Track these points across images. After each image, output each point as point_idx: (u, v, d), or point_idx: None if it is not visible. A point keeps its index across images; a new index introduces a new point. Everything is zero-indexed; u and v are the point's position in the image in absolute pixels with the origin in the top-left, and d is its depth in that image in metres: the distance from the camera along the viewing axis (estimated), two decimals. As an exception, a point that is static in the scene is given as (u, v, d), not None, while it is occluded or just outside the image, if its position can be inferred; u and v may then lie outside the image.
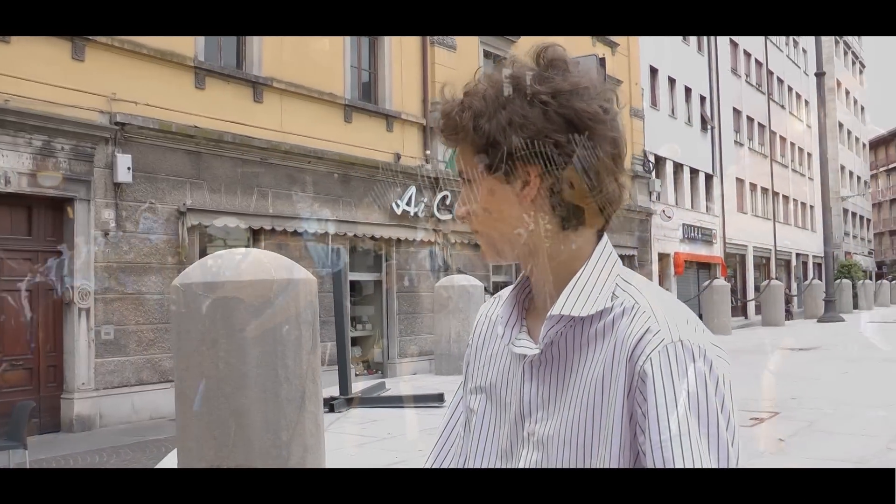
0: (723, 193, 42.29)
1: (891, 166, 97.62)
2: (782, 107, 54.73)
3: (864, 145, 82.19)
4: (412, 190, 20.51)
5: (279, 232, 16.82)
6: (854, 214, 76.20)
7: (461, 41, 22.83)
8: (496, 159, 1.35)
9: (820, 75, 21.92)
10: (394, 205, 19.97)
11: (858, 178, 78.23)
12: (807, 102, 59.46)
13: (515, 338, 1.45)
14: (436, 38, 21.78)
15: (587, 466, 1.31)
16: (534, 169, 1.33)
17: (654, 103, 35.40)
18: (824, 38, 22.78)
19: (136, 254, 14.53)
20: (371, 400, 7.67)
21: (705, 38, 41.36)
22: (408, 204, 20.34)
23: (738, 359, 5.64)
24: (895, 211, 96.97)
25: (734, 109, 45.59)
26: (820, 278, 29.55)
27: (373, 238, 19.40)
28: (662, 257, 34.64)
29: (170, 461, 5.55)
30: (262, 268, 3.51)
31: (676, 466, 1.21)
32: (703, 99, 40.97)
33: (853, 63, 77.03)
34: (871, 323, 22.05)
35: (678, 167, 37.83)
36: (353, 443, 5.98)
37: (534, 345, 1.40)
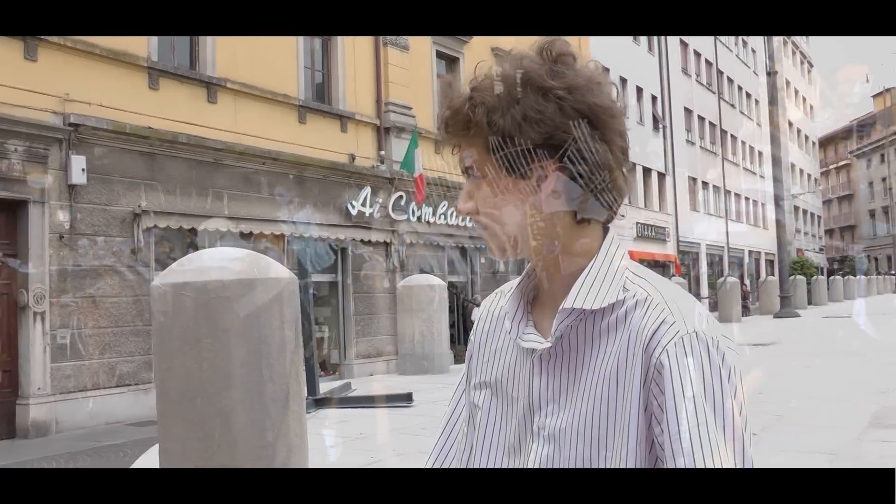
0: (675, 192, 42.67)
1: (840, 164, 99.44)
2: (732, 106, 55.42)
3: (813, 143, 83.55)
4: (367, 190, 20.44)
5: (234, 233, 16.66)
6: (805, 212, 77.37)
7: (414, 42, 22.81)
8: (512, 154, 1.34)
9: (772, 74, 22.25)
10: (349, 205, 19.89)
11: (809, 175, 79.50)
12: (757, 101, 60.36)
13: (523, 332, 1.44)
14: (388, 38, 21.73)
15: (602, 458, 1.32)
16: (550, 164, 1.34)
17: (605, 102, 35.54)
18: (774, 38, 23.04)
19: (92, 256, 14.32)
20: (341, 400, 7.63)
21: (656, 38, 41.73)
22: (363, 205, 20.26)
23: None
24: (845, 208, 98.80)
25: (685, 109, 46.05)
26: (772, 275, 29.94)
27: (327, 239, 19.31)
28: (616, 256, 34.79)
29: (144, 462, 5.49)
30: (246, 267, 3.48)
31: (695, 455, 1.22)
32: (654, 98, 41.34)
33: (801, 63, 78.20)
34: (827, 318, 22.44)
35: (631, 166, 38.05)
36: (325, 443, 5.95)
37: (542, 339, 1.40)
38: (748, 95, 59.58)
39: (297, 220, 18.25)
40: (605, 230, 1.44)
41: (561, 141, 1.32)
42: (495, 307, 1.59)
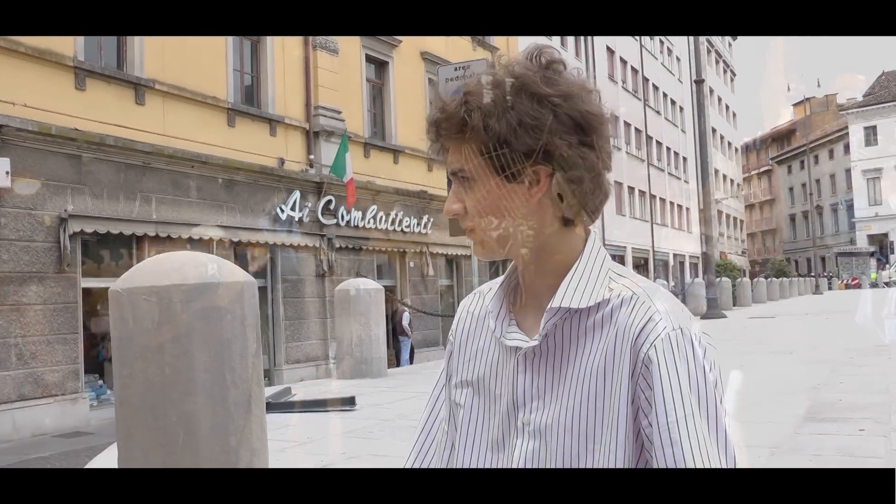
0: (600, 198, 43.06)
1: (762, 169, 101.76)
2: (658, 112, 56.26)
3: (736, 150, 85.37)
4: (296, 195, 20.32)
5: (163, 238, 16.41)
6: (728, 216, 78.96)
7: (344, 46, 22.72)
8: (506, 158, 1.37)
9: (699, 82, 22.66)
10: (278, 210, 19.74)
11: (732, 181, 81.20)
12: (681, 108, 61.43)
13: (506, 331, 1.48)
14: (318, 41, 21.63)
15: (590, 451, 1.36)
16: (543, 169, 1.38)
17: (533, 107, 35.76)
18: (701, 47, 23.43)
19: (16, 263, 13.97)
20: (286, 405, 7.56)
21: (583, 44, 42.18)
22: (292, 209, 20.13)
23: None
24: (766, 212, 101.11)
25: (612, 114, 46.54)
26: (697, 277, 30.43)
27: (257, 244, 19.14)
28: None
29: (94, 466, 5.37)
30: (206, 269, 3.43)
31: (683, 446, 1.28)
32: (578, 104, 41.65)
33: (724, 71, 79.84)
34: (753, 318, 22.91)
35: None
36: (273, 448, 5.88)
37: (525, 337, 1.45)
38: (673, 102, 60.61)
39: (226, 224, 18.07)
40: (587, 232, 1.49)
41: (555, 147, 1.36)
42: (474, 307, 1.62)
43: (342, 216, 21.65)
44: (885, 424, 6.22)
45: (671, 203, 58.38)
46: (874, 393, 7.76)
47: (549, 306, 1.41)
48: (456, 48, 27.61)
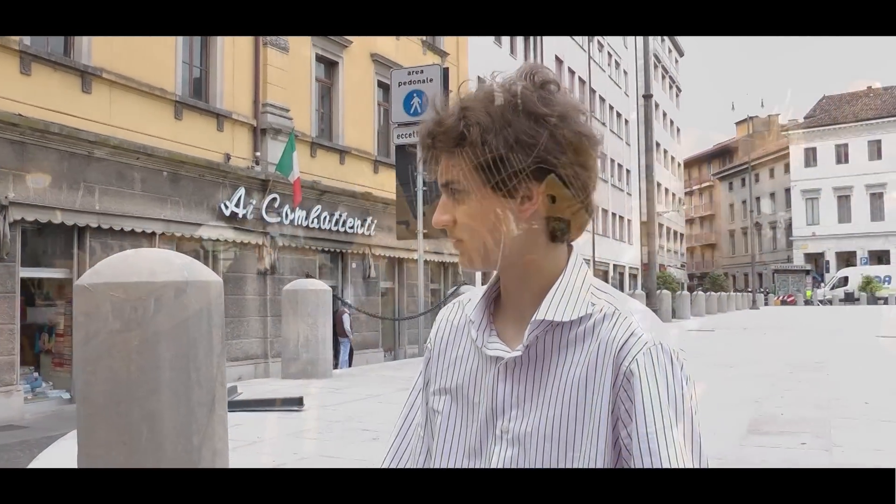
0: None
1: (703, 185, 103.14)
2: (604, 124, 56.76)
3: (679, 164, 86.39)
4: (241, 191, 20.15)
5: (105, 230, 16.18)
6: (669, 229, 79.84)
7: (294, 44, 22.60)
8: (501, 174, 1.41)
9: (647, 97, 22.87)
10: (222, 206, 19.56)
11: (674, 195, 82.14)
12: (626, 121, 62.04)
13: (487, 341, 1.52)
14: (269, 38, 21.50)
15: (569, 459, 1.40)
16: (537, 186, 1.42)
17: (481, 114, 35.82)
18: (649, 63, 23.65)
19: (-46, 249, 13.69)
20: (232, 404, 7.49)
21: (532, 52, 42.37)
22: (237, 205, 19.95)
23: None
24: (706, 227, 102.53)
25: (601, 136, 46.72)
26: (637, 289, 30.65)
27: (201, 239, 18.96)
28: (485, 266, 35.09)
29: (41, 462, 5.30)
30: (175, 268, 3.41)
31: (661, 456, 1.34)
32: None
33: (670, 87, 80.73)
34: (692, 331, 23.18)
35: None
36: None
37: (506, 347, 1.49)
38: (619, 115, 61.20)
39: (170, 218, 17.87)
40: (569, 247, 1.53)
41: (551, 165, 1.40)
42: (454, 317, 1.66)
43: (286, 215, 21.52)
44: (825, 439, 6.36)
45: (613, 214, 58.96)
46: (814, 407, 7.93)
47: (533, 318, 1.44)
48: (406, 51, 27.62)
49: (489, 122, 1.40)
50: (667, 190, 77.55)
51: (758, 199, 79.36)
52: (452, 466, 1.53)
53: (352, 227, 24.35)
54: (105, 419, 3.30)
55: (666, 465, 1.34)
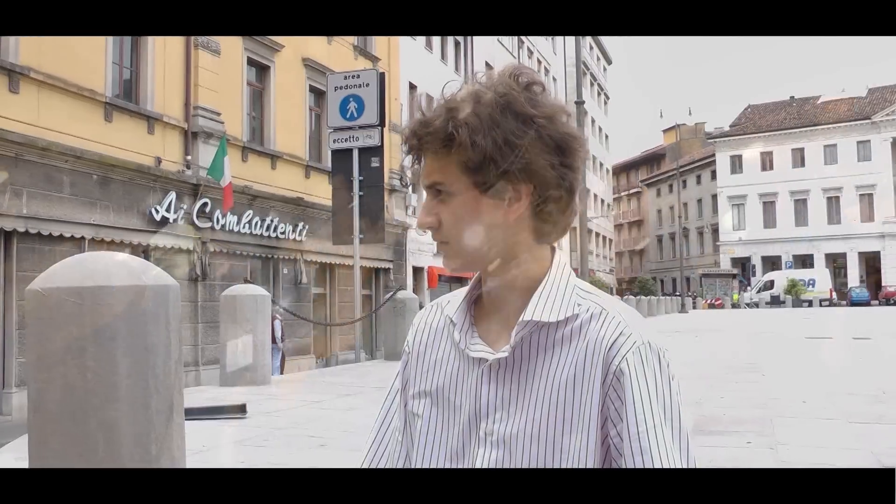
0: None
1: (632, 191, 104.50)
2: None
3: (607, 171, 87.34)
4: (172, 196, 19.84)
5: (33, 235, 15.80)
6: (598, 235, 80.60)
7: (225, 47, 22.32)
8: (489, 175, 1.40)
9: (579, 104, 23.08)
10: (153, 210, 19.23)
11: (602, 200, 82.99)
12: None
13: (470, 343, 1.52)
14: (200, 40, 21.22)
15: (557, 461, 1.40)
16: (525, 187, 1.42)
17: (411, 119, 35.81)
18: (579, 69, 23.90)
19: None
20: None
21: (463, 57, 42.51)
22: (167, 210, 19.63)
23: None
24: (634, 233, 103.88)
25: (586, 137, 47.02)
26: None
27: (131, 244, 18.60)
28: (417, 271, 35.16)
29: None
30: (133, 272, 3.32)
31: (653, 454, 1.35)
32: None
33: (598, 94, 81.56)
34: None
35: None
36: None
37: (489, 348, 1.49)
38: (549, 121, 61.64)
39: (100, 223, 17.51)
40: (552, 248, 1.54)
41: (538, 166, 1.41)
42: (432, 319, 1.65)
43: (217, 220, 21.25)
44: (769, 437, 6.46)
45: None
46: (753, 407, 8.05)
47: (520, 319, 1.44)
48: (338, 56, 27.50)
49: (477, 122, 1.39)
50: (595, 195, 78.35)
51: (685, 204, 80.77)
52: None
53: (283, 233, 24.13)
54: (59, 429, 3.19)
55: (657, 464, 1.35)
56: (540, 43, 52.87)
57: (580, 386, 1.41)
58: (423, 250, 35.55)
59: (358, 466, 1.66)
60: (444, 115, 1.42)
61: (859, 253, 72.40)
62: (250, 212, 22.62)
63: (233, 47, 22.73)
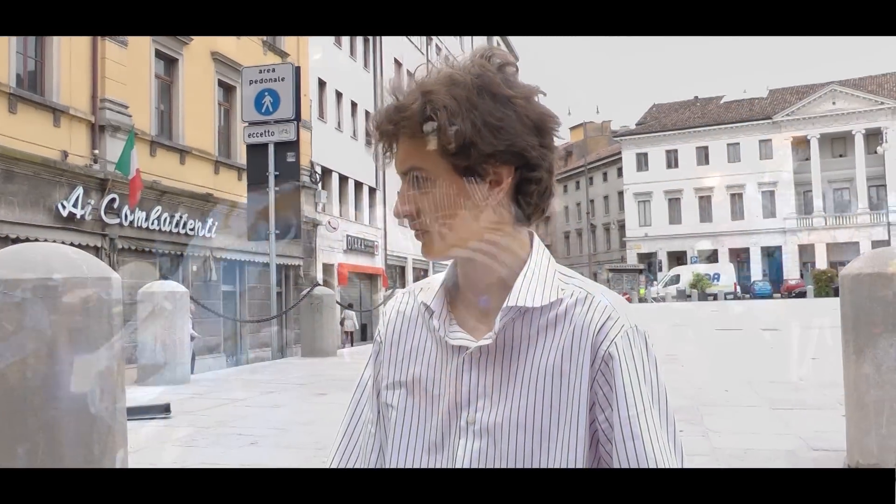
0: (385, 207, 43.36)
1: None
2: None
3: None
4: (79, 191, 19.28)
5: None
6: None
7: (133, 39, 21.78)
8: (470, 159, 1.37)
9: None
10: (59, 206, 18.68)
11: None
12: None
13: (449, 330, 1.48)
14: (107, 31, 20.69)
15: (545, 449, 1.39)
16: (507, 169, 1.40)
17: (321, 115, 35.67)
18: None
19: None
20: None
21: (371, 54, 42.40)
22: (74, 205, 19.08)
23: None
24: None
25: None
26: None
27: (36, 241, 18.04)
28: (327, 268, 34.97)
29: None
30: (73, 263, 3.14)
31: (643, 439, 1.36)
32: (367, 114, 41.82)
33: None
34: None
35: (343, 180, 38.38)
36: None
37: (469, 336, 1.46)
38: (457, 117, 62.00)
39: (2, 219, 16.96)
40: (529, 232, 1.51)
41: (518, 148, 1.38)
42: (405, 307, 1.60)
43: (126, 216, 20.73)
44: (700, 425, 6.59)
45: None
46: (680, 397, 8.13)
47: (504, 305, 1.41)
48: (247, 51, 27.07)
49: (455, 105, 1.36)
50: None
51: (592, 201, 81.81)
52: (410, 462, 1.47)
53: (192, 229, 23.68)
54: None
55: (648, 448, 1.35)
56: (448, 40, 52.98)
57: (567, 371, 1.39)
58: (332, 247, 35.42)
59: (328, 458, 1.61)
60: (419, 98, 1.37)
61: (762, 248, 74.37)
62: (159, 208, 22.15)
63: (140, 39, 22.17)
